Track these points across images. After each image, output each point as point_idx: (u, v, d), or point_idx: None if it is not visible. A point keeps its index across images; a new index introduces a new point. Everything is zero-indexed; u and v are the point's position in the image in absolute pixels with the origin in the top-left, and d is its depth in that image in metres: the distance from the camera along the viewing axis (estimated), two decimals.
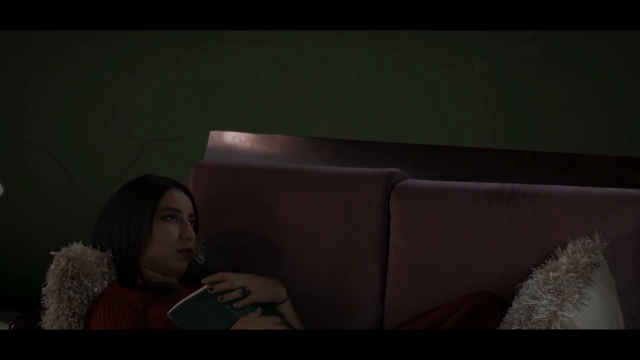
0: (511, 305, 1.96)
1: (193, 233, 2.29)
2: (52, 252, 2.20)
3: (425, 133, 3.05)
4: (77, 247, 2.23)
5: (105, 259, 2.24)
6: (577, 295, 1.89)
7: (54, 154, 3.54)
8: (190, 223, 2.31)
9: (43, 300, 2.19)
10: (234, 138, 2.65)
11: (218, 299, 2.11)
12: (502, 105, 3.13)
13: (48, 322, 2.20)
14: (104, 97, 3.48)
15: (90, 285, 2.20)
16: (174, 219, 2.28)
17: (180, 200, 2.30)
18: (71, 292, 2.18)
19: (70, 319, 2.18)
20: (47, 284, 2.19)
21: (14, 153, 3.51)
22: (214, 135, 2.67)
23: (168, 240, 2.26)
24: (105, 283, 2.23)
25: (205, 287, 2.12)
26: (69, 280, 2.18)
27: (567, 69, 3.05)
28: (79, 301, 2.18)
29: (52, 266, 2.19)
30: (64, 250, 2.20)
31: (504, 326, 1.92)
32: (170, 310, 2.06)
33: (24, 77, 3.55)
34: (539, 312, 1.83)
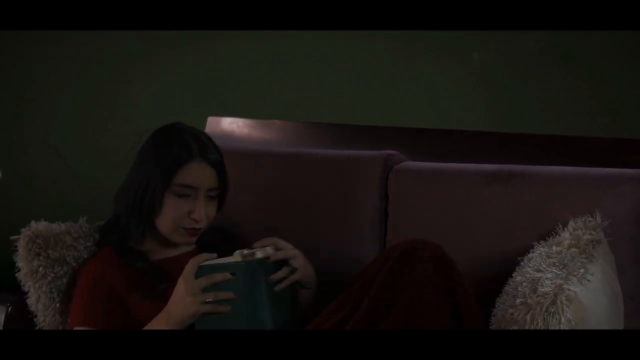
0: (511, 276, 1.94)
1: (203, 213, 2.13)
2: (11, 238, 2.18)
3: None
4: (39, 224, 2.20)
5: (75, 229, 2.22)
6: (581, 270, 1.88)
7: (51, 143, 3.54)
8: (212, 197, 2.17)
9: (23, 285, 2.19)
10: (231, 124, 2.66)
11: (270, 278, 1.99)
12: (502, 105, 3.13)
13: (33, 305, 2.20)
14: (102, 89, 3.50)
15: (58, 256, 2.17)
16: (189, 196, 2.12)
17: (199, 175, 2.12)
18: (41, 269, 2.16)
19: (51, 295, 2.17)
20: (18, 269, 2.18)
21: (10, 144, 3.52)
22: (211, 121, 2.67)
23: (175, 216, 2.11)
24: (82, 248, 2.20)
25: (236, 258, 1.96)
26: (36, 259, 2.16)
27: (567, 68, 3.05)
28: (53, 275, 2.16)
29: (19, 250, 2.18)
30: (22, 230, 2.18)
31: (505, 297, 1.89)
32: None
33: (23, 68, 3.56)
34: (544, 285, 1.81)
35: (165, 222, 2.12)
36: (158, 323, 2.00)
